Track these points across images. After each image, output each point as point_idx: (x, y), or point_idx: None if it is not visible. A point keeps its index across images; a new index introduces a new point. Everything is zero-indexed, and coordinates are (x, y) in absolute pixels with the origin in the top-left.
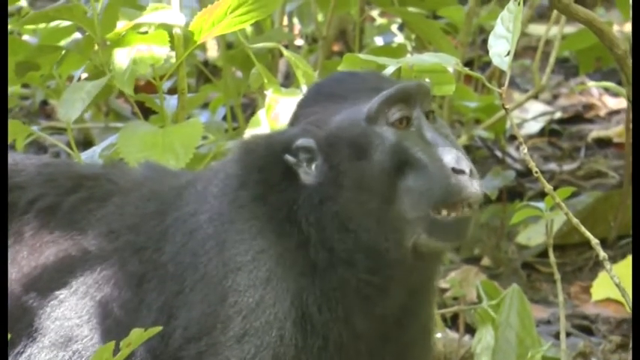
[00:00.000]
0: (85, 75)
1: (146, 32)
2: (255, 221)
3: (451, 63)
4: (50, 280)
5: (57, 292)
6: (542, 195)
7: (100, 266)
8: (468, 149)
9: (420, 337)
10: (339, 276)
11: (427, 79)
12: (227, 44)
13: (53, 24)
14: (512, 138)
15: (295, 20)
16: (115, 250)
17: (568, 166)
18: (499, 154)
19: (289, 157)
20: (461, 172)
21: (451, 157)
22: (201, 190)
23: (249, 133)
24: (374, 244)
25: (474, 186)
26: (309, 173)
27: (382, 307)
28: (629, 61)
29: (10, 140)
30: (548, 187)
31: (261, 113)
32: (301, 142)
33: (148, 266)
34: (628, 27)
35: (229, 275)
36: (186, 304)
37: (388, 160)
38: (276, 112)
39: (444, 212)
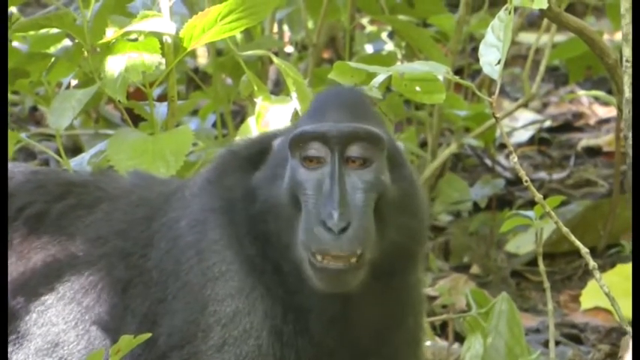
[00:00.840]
0: (74, 82)
1: (136, 39)
2: (228, 230)
3: (442, 71)
4: (37, 286)
5: (44, 298)
6: (531, 203)
7: (87, 272)
8: (458, 157)
9: (406, 347)
10: (282, 291)
11: (418, 88)
12: (217, 51)
13: (43, 31)
14: (502, 146)
15: (285, 27)
16: (103, 256)
17: (557, 175)
18: (489, 162)
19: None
20: (328, 229)
21: (327, 210)
22: (185, 196)
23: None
24: (289, 268)
25: (335, 244)
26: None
27: (347, 333)
28: (620, 70)
29: None
30: (538, 196)
31: (251, 120)
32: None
33: (134, 272)
34: (618, 36)
35: (208, 284)
36: (169, 311)
37: (285, 193)
38: (266, 119)
39: (318, 258)
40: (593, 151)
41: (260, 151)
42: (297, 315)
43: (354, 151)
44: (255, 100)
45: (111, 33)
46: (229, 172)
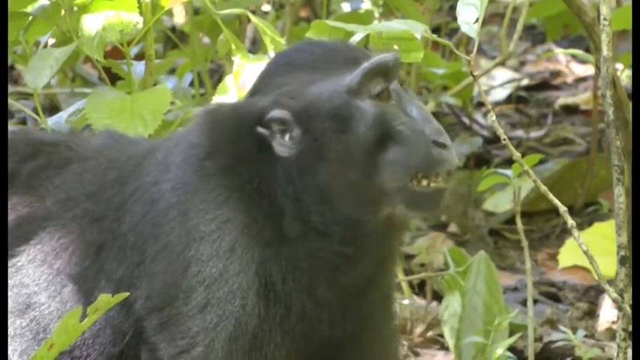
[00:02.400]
0: (52, 41)
1: None
2: (221, 190)
3: (420, 30)
4: (8, 248)
5: (15, 260)
6: (509, 162)
7: (59, 234)
8: (436, 116)
9: (381, 305)
10: (310, 247)
11: (396, 47)
12: (194, 10)
13: None
14: (480, 105)
15: None
16: (74, 218)
17: (535, 133)
18: (466, 121)
19: (262, 130)
20: (442, 145)
21: (432, 130)
22: (162, 160)
23: (216, 99)
24: (352, 216)
25: (454, 158)
26: (284, 145)
27: (348, 277)
28: (597, 28)
29: None
30: (517, 155)
31: (228, 79)
32: (275, 113)
33: (107, 235)
34: None
35: (192, 245)
36: (147, 274)
37: (371, 133)
38: (243, 78)
39: (424, 182)
40: (570, 110)
41: (255, 113)
42: (302, 274)
43: (399, 77)
44: (232, 58)
45: None
46: (224, 132)
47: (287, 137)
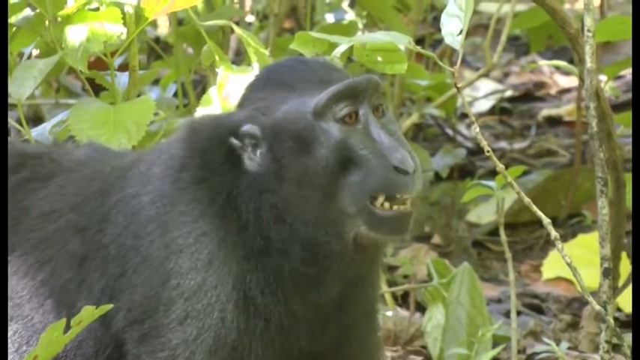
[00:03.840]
0: (35, 52)
1: (98, 9)
2: (196, 204)
3: (403, 42)
4: None
5: None
6: (492, 173)
7: (42, 246)
8: (419, 127)
9: (364, 318)
10: (275, 263)
11: (379, 58)
12: (178, 21)
13: None
14: (463, 116)
15: None
16: (57, 230)
17: (518, 145)
18: (450, 132)
19: (234, 141)
20: (404, 172)
21: (396, 156)
22: (144, 172)
23: (200, 110)
24: (311, 237)
25: (414, 186)
26: (252, 159)
27: (318, 295)
28: (581, 40)
29: None
30: (500, 166)
31: (212, 90)
32: (247, 127)
33: (90, 247)
34: (579, 5)
35: (171, 257)
36: (128, 286)
37: (332, 157)
38: (227, 89)
39: (385, 205)
40: (554, 121)
41: (230, 126)
42: (270, 284)
43: (375, 100)
44: (216, 69)
45: (72, 2)
46: (201, 145)
47: (257, 153)
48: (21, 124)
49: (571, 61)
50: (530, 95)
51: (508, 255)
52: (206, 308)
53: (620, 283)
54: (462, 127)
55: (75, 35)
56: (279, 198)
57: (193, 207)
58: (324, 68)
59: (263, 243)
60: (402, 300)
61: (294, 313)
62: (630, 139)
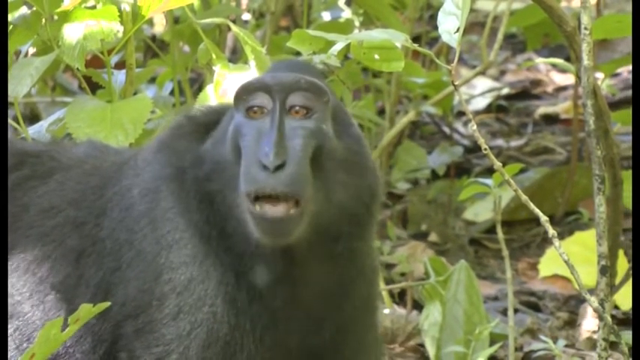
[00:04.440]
0: (32, 50)
1: (94, 7)
2: (177, 198)
3: (400, 39)
4: None
5: None
6: (489, 171)
7: (41, 242)
8: (416, 125)
9: (362, 315)
10: (231, 257)
11: (376, 56)
12: (174, 19)
13: None
14: (460, 114)
15: None
16: (56, 226)
17: (515, 142)
18: (447, 130)
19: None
20: (264, 167)
21: (263, 150)
22: (136, 165)
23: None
24: (231, 230)
25: (270, 181)
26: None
27: (287, 291)
28: (578, 38)
29: None
30: (498, 164)
31: (209, 88)
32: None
33: (87, 241)
34: (576, 3)
35: (162, 252)
36: (123, 280)
37: (229, 144)
38: (224, 87)
39: (257, 207)
40: (550, 119)
41: (216, 119)
42: (247, 280)
43: (295, 100)
44: (213, 68)
45: (69, 0)
46: (181, 139)
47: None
48: (18, 123)
49: (568, 59)
50: (526, 93)
51: (505, 253)
52: (197, 303)
53: (618, 280)
54: (458, 125)
55: (72, 33)
56: (209, 187)
57: (176, 202)
58: (288, 68)
59: (217, 235)
60: (399, 298)
61: (274, 310)
62: (627, 137)
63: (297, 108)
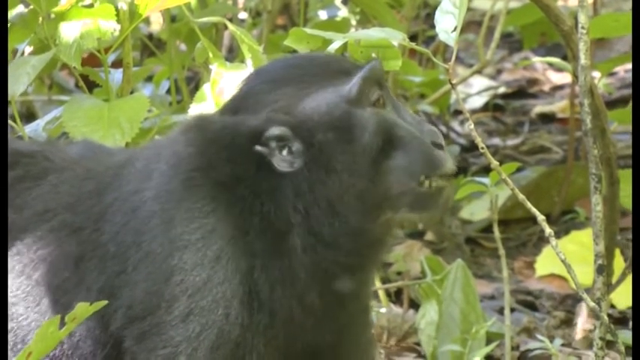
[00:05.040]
0: (29, 48)
1: (91, 6)
2: (208, 201)
3: (397, 38)
4: None
5: None
6: (485, 170)
7: (36, 245)
8: None
9: (359, 315)
10: (316, 259)
11: (373, 54)
12: (171, 17)
13: None
14: (457, 113)
15: None
16: (51, 230)
17: (511, 141)
18: (443, 129)
19: (261, 149)
20: (440, 146)
21: (429, 132)
22: (142, 168)
23: (194, 107)
24: (359, 225)
25: (451, 160)
26: (285, 161)
27: (345, 284)
28: (575, 37)
29: None
30: (495, 163)
31: (205, 87)
32: (273, 130)
33: (86, 247)
34: (572, 2)
35: (175, 253)
36: (128, 283)
37: (375, 141)
38: (220, 86)
39: (426, 184)
40: (547, 118)
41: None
42: (293, 282)
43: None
44: (209, 66)
45: None
46: (224, 158)
47: (286, 152)
48: (14, 121)
49: (564, 58)
50: (523, 92)
51: (501, 252)
52: (210, 305)
53: (614, 279)
54: (455, 124)
55: (69, 32)
56: (330, 190)
57: (204, 204)
58: (332, 60)
59: (313, 240)
60: (396, 297)
61: (306, 305)
62: (624, 136)
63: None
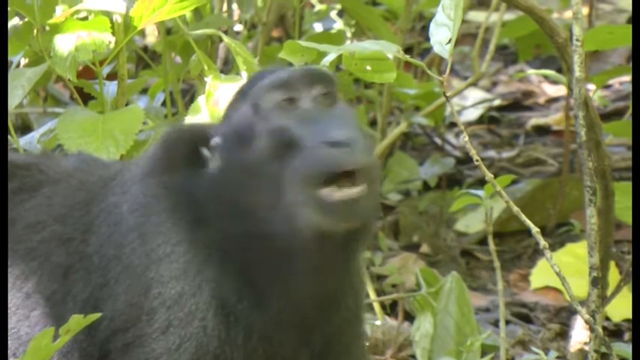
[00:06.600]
0: (24, 61)
1: (86, 18)
2: (169, 212)
3: (392, 50)
4: None
5: None
6: (480, 182)
7: (28, 257)
8: (407, 136)
9: (348, 325)
10: (242, 264)
11: (368, 67)
12: (166, 30)
13: None
14: (452, 125)
15: (234, 6)
16: (42, 242)
17: (507, 154)
18: (438, 141)
19: (205, 152)
20: (336, 144)
21: (329, 131)
22: (124, 181)
23: (189, 119)
24: (268, 230)
25: (351, 157)
26: (213, 164)
27: (292, 294)
28: (570, 49)
29: None
30: (489, 175)
31: (200, 100)
32: (215, 139)
33: (74, 257)
34: (567, 14)
35: (152, 267)
36: (111, 295)
37: (270, 142)
38: (215, 98)
39: (329, 191)
40: (542, 130)
41: (203, 134)
42: (253, 291)
43: (322, 89)
44: (204, 78)
45: (61, 11)
46: (174, 154)
47: (217, 156)
48: (9, 133)
49: (559, 70)
50: (518, 104)
51: (496, 264)
52: (187, 317)
53: (609, 292)
54: (450, 136)
55: (63, 44)
56: (233, 193)
57: (167, 216)
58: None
59: (229, 244)
60: (391, 309)
61: (274, 316)
62: (619, 149)
63: (324, 95)
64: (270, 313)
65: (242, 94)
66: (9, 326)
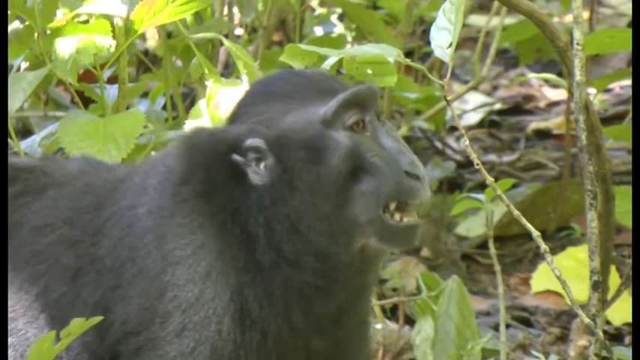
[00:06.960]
0: (24, 64)
1: (87, 21)
2: (196, 216)
3: (393, 54)
4: None
5: None
6: (481, 186)
7: (35, 260)
8: (408, 140)
9: (357, 330)
10: (283, 276)
11: (369, 72)
12: (167, 33)
13: None
14: (452, 129)
15: (235, 9)
16: (50, 244)
17: (507, 158)
18: (439, 145)
19: (237, 157)
20: (415, 176)
21: (406, 161)
22: (139, 184)
23: (189, 123)
24: (324, 248)
25: (426, 190)
26: (258, 173)
27: (322, 306)
28: (570, 53)
29: None
30: (490, 179)
31: (201, 103)
32: (250, 142)
33: (84, 260)
34: (568, 18)
35: (168, 269)
36: (123, 298)
37: (344, 165)
38: (216, 102)
39: (396, 216)
40: (542, 134)
41: (231, 140)
42: (279, 301)
43: (377, 108)
44: (205, 82)
45: (61, 15)
46: (200, 159)
47: (262, 166)
48: (10, 137)
49: (560, 74)
50: (518, 108)
51: (497, 268)
52: (203, 320)
53: (609, 296)
54: (450, 140)
55: (64, 47)
56: (292, 208)
57: (192, 219)
58: (323, 78)
59: (274, 256)
60: (391, 313)
61: (293, 325)
62: (619, 152)
63: (379, 115)
64: (290, 321)
65: (281, 98)
66: (17, 328)
